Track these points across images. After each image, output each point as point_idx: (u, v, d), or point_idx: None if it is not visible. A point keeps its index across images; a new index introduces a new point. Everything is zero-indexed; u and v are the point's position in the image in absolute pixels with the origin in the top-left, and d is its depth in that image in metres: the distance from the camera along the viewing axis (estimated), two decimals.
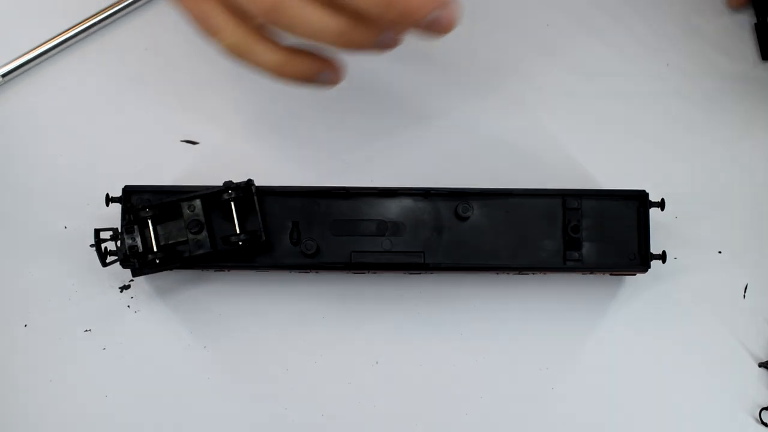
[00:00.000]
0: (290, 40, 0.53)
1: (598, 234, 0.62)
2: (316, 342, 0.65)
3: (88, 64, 0.69)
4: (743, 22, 0.71)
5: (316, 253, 0.61)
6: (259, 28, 0.53)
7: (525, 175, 0.67)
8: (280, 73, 0.54)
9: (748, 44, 0.70)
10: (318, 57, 0.54)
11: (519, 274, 0.65)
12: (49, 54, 0.68)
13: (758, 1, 0.67)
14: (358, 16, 0.49)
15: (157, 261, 0.59)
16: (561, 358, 0.65)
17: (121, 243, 0.60)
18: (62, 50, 0.69)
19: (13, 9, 0.70)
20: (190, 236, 0.60)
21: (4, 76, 0.68)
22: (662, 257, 0.62)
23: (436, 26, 0.47)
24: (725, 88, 0.70)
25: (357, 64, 0.69)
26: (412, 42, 0.69)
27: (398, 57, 0.69)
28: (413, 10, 0.47)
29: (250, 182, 0.61)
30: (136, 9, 0.70)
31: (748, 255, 0.67)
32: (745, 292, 0.66)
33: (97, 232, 0.60)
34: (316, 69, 0.54)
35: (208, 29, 0.53)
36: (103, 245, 0.60)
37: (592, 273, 0.64)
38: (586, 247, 0.62)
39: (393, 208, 0.62)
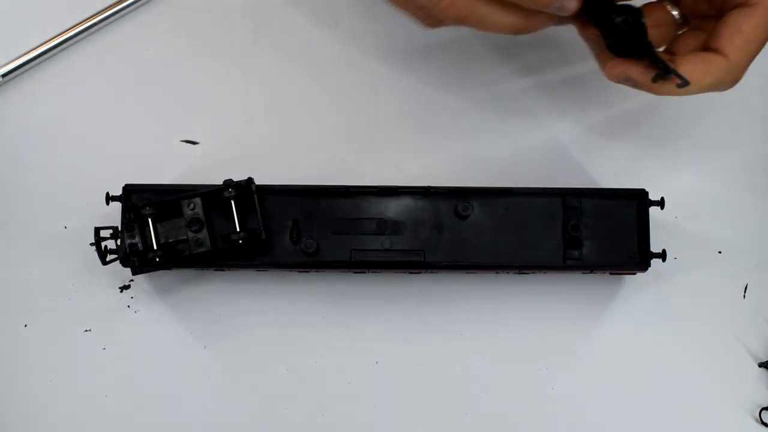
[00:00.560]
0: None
1: (598, 233, 0.62)
2: (316, 342, 0.65)
3: (88, 64, 0.69)
4: None
5: (316, 251, 0.61)
6: None
7: (525, 174, 0.67)
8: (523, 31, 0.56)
9: None
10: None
11: (519, 273, 0.65)
12: (49, 54, 0.68)
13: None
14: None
15: (157, 259, 0.59)
16: (561, 358, 0.65)
17: (121, 241, 0.60)
18: (62, 50, 0.69)
19: (13, 9, 0.70)
20: (191, 234, 0.60)
21: (4, 76, 0.68)
22: (662, 256, 0.62)
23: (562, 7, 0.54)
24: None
25: (357, 63, 0.69)
26: (412, 42, 0.70)
27: (398, 56, 0.69)
28: None
29: (250, 180, 0.61)
30: (136, 9, 0.70)
31: (748, 255, 0.67)
32: (745, 292, 0.66)
33: (97, 230, 0.60)
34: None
35: None
36: (103, 244, 0.60)
37: (592, 272, 0.64)
38: (586, 246, 0.62)
39: (393, 207, 0.62)
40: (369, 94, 0.69)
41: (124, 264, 0.60)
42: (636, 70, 0.56)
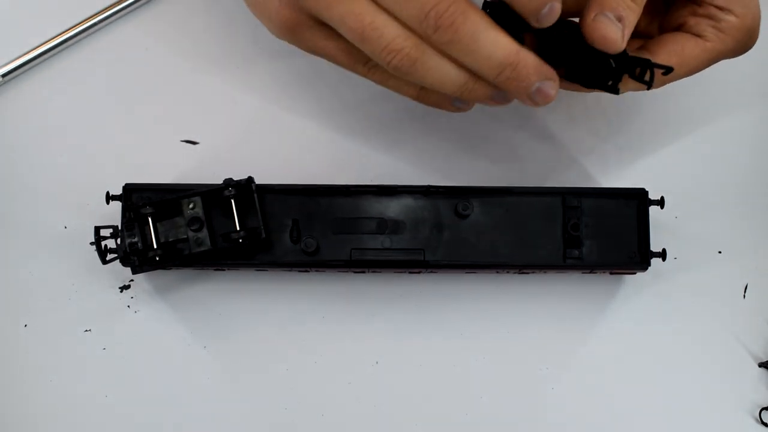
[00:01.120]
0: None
1: (598, 232, 0.62)
2: (316, 342, 0.65)
3: (88, 64, 0.69)
4: None
5: (316, 251, 0.61)
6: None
7: (525, 174, 0.67)
8: (461, 95, 0.55)
9: None
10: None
11: (519, 272, 0.65)
12: (49, 54, 0.68)
13: None
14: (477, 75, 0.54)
15: (157, 258, 0.59)
16: (561, 357, 0.65)
17: (121, 240, 0.60)
18: (62, 50, 0.69)
19: (13, 9, 0.70)
20: (191, 234, 0.60)
21: (4, 76, 0.68)
22: (662, 255, 0.62)
23: (538, 96, 0.53)
24: (726, 87, 0.70)
25: None
26: None
27: None
28: (522, 78, 0.52)
29: (250, 180, 0.61)
30: (136, 9, 0.70)
31: (748, 255, 0.67)
32: (745, 292, 0.66)
33: (97, 229, 0.60)
34: (490, 94, 0.56)
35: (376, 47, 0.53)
36: (103, 243, 0.60)
37: (592, 271, 0.64)
38: (586, 246, 0.62)
39: (393, 206, 0.62)
40: (369, 94, 0.69)
41: (124, 263, 0.60)
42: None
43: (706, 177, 0.68)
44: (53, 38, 0.68)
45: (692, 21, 0.59)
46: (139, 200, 0.61)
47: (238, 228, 0.60)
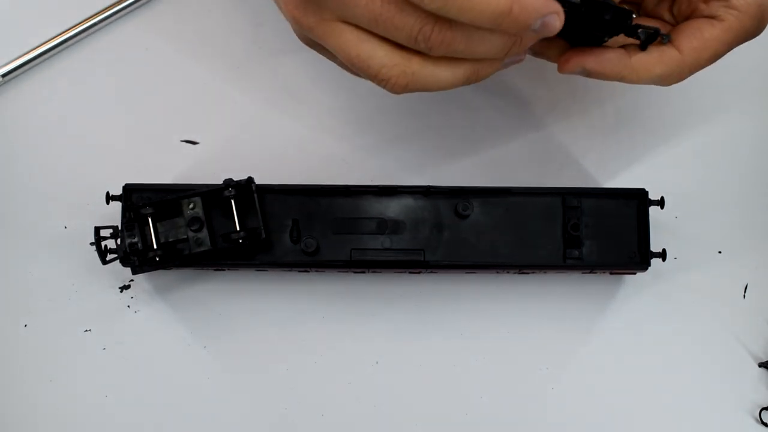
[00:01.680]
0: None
1: (598, 232, 0.62)
2: (316, 342, 0.65)
3: (88, 64, 0.69)
4: None
5: (316, 251, 0.61)
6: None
7: (525, 174, 0.67)
8: (469, 82, 0.55)
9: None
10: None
11: (519, 272, 0.65)
12: (49, 54, 0.68)
13: None
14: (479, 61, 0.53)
15: (157, 258, 0.59)
16: (561, 357, 0.65)
17: (121, 241, 0.60)
18: (62, 50, 0.69)
19: (13, 9, 0.70)
20: (191, 234, 0.60)
21: (4, 76, 0.68)
22: (662, 255, 0.62)
23: (544, 29, 0.51)
24: (725, 87, 0.70)
25: None
26: None
27: None
28: (523, 21, 0.50)
29: (250, 180, 0.61)
30: (136, 9, 0.70)
31: (748, 255, 0.67)
32: (745, 292, 0.66)
33: (97, 229, 0.60)
34: (498, 67, 0.55)
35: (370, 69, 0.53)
36: (103, 243, 0.60)
37: (592, 271, 0.64)
38: (586, 246, 0.62)
39: (393, 206, 0.62)
40: (369, 94, 0.68)
41: (124, 263, 0.60)
42: (592, 60, 0.56)
43: (706, 177, 0.68)
44: (53, 38, 0.68)
45: (703, 5, 0.58)
46: (139, 200, 0.61)
47: (238, 228, 0.60)
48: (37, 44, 0.68)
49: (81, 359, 0.65)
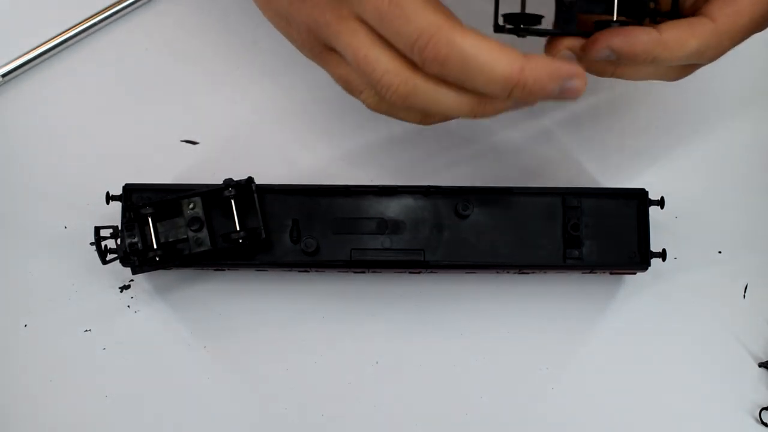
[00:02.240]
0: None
1: (598, 232, 0.62)
2: (316, 342, 0.65)
3: (88, 64, 0.69)
4: None
5: (316, 251, 0.61)
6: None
7: (525, 174, 0.67)
8: (475, 116, 0.53)
9: None
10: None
11: (519, 272, 0.65)
12: (49, 54, 0.68)
13: None
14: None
15: (157, 258, 0.59)
16: (561, 357, 0.65)
17: (121, 241, 0.60)
18: (62, 50, 0.69)
19: (13, 9, 0.70)
20: (191, 234, 0.60)
21: (4, 76, 0.68)
22: (662, 255, 0.62)
23: (566, 95, 0.50)
24: (726, 87, 0.70)
25: None
26: None
27: None
28: (537, 91, 0.49)
29: (250, 180, 0.61)
30: (136, 9, 0.70)
31: (748, 255, 0.67)
32: (745, 292, 0.66)
33: (97, 229, 0.60)
34: (508, 106, 0.53)
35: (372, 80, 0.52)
36: (103, 243, 0.60)
37: (592, 271, 0.64)
38: (586, 246, 0.62)
39: (393, 206, 0.62)
40: None
41: (124, 263, 0.60)
42: (620, 40, 0.52)
43: (706, 177, 0.68)
44: (53, 38, 0.68)
45: None
46: (139, 200, 0.61)
47: (238, 228, 0.60)
48: (37, 44, 0.68)
49: (81, 359, 0.65)
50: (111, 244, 0.61)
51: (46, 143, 0.68)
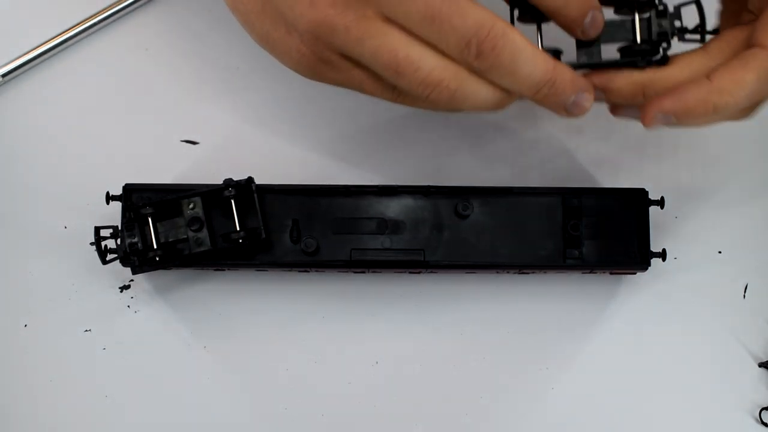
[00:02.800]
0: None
1: (598, 232, 0.62)
2: (316, 342, 0.65)
3: (88, 64, 0.69)
4: None
5: (316, 251, 0.61)
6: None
7: (525, 174, 0.67)
8: (493, 109, 0.55)
9: None
10: None
11: (519, 272, 0.65)
12: (49, 54, 0.68)
13: None
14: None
15: (157, 258, 0.59)
16: (561, 357, 0.65)
17: (121, 241, 0.60)
18: (62, 50, 0.69)
19: (13, 9, 0.70)
20: (191, 234, 0.60)
21: (4, 76, 0.68)
22: (662, 255, 0.62)
23: (574, 109, 0.53)
24: None
25: None
26: None
27: None
28: (560, 93, 0.52)
29: (250, 180, 0.61)
30: (136, 9, 0.70)
31: (748, 255, 0.67)
32: (745, 292, 0.66)
33: (97, 229, 0.60)
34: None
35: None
36: (103, 243, 0.60)
37: (592, 271, 0.64)
38: (586, 246, 0.62)
39: (393, 206, 0.62)
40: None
41: (124, 263, 0.60)
42: (670, 101, 0.53)
43: (706, 177, 0.68)
44: (53, 38, 0.68)
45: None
46: (139, 200, 0.61)
47: (238, 228, 0.60)
48: (37, 44, 0.68)
49: (81, 359, 0.64)
50: (111, 244, 0.61)
51: (46, 143, 0.68)
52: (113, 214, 0.63)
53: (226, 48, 0.70)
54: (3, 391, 0.64)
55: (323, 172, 0.67)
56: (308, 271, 0.65)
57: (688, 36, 0.55)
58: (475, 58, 0.50)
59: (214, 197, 0.61)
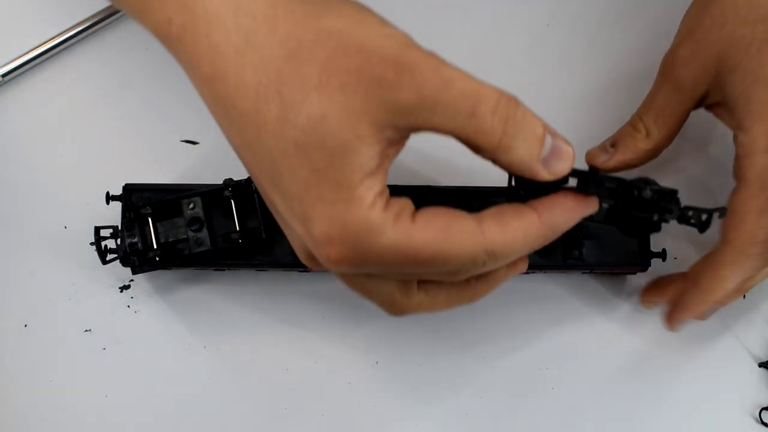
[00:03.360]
0: None
1: (598, 232, 0.62)
2: (316, 342, 0.65)
3: (88, 64, 0.69)
4: None
5: None
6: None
7: None
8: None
9: None
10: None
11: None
12: (49, 54, 0.69)
13: None
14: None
15: (157, 258, 0.59)
16: (561, 358, 0.65)
17: (121, 241, 0.60)
18: (62, 50, 0.69)
19: (13, 9, 0.70)
20: (191, 234, 0.60)
21: (4, 76, 0.68)
22: (662, 256, 0.62)
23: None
24: None
25: None
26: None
27: None
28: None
29: (250, 180, 0.61)
30: None
31: None
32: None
33: (97, 229, 0.60)
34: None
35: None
36: (103, 243, 0.61)
37: (592, 271, 0.64)
38: (586, 246, 0.62)
39: None
40: None
41: (124, 263, 0.60)
42: (690, 313, 0.59)
43: (705, 177, 0.68)
44: (53, 38, 0.68)
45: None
46: (139, 200, 0.61)
47: (238, 228, 0.60)
48: (37, 44, 0.68)
49: (81, 359, 0.64)
50: (111, 244, 0.61)
51: (46, 143, 0.68)
52: (113, 214, 0.63)
53: None
54: (3, 391, 0.64)
55: None
56: (308, 271, 0.65)
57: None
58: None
59: (214, 197, 0.61)
